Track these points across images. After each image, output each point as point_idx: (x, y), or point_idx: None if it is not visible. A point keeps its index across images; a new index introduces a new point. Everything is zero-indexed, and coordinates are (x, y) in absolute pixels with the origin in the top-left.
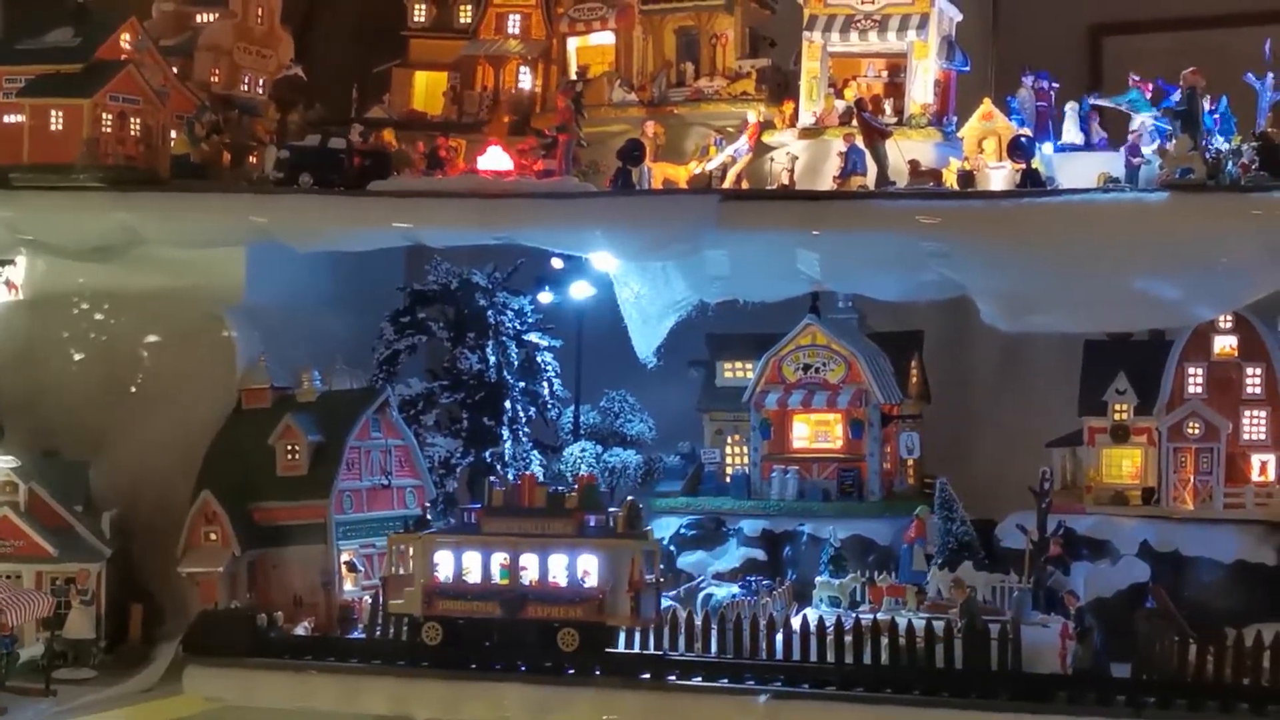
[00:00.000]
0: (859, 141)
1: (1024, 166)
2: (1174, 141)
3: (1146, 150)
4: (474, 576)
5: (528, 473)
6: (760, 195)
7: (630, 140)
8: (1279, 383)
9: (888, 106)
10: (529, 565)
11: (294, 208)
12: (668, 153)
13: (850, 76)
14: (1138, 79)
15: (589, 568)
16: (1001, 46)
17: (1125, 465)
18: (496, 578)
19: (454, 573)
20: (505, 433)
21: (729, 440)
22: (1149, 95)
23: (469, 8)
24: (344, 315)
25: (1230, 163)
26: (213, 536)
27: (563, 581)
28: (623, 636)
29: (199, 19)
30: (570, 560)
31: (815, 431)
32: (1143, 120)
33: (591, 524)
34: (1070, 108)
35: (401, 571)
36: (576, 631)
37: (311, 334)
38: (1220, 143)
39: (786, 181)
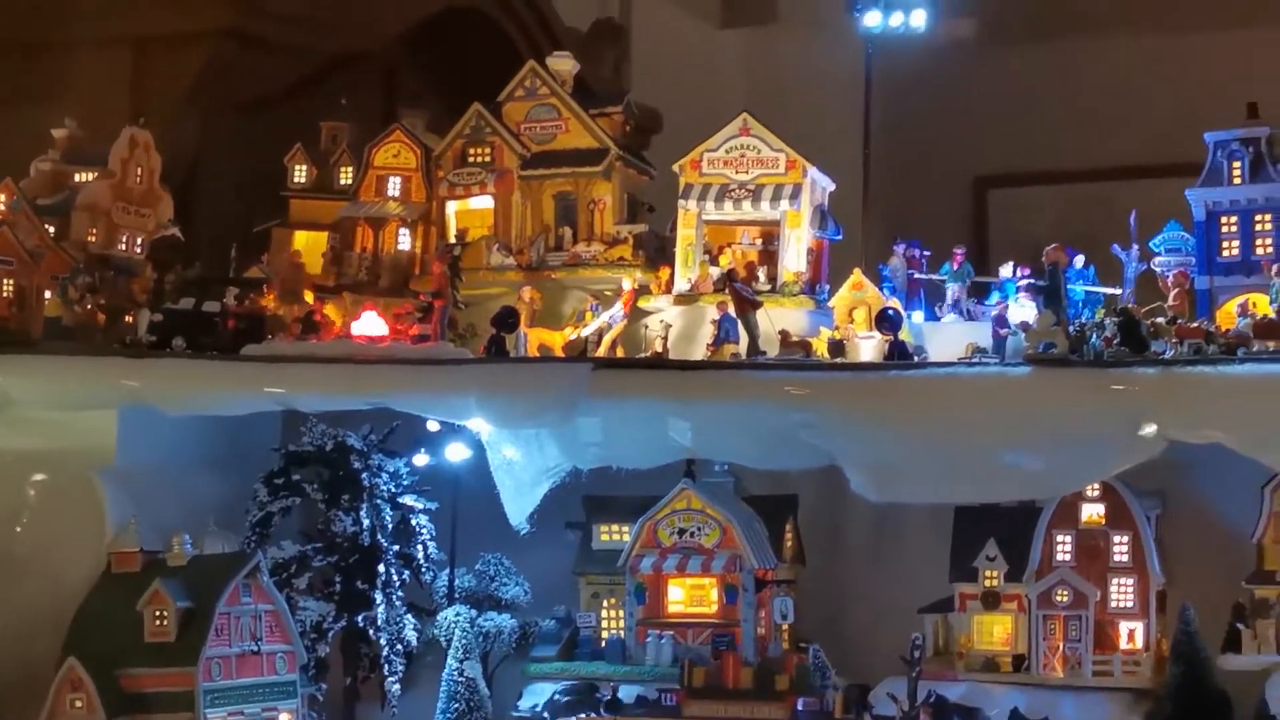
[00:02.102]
0: (731, 310)
1: (892, 338)
2: (1038, 316)
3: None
4: None
5: (730, 651)
6: (632, 364)
7: (504, 307)
8: (1146, 550)
9: (762, 274)
10: None
11: (166, 372)
12: (545, 317)
13: (725, 243)
14: (959, 251)
15: None
16: (887, 199)
17: (996, 631)
18: None
19: None
20: (379, 596)
21: (605, 604)
22: (956, 267)
23: (349, 169)
24: (218, 476)
25: (1094, 336)
26: (78, 704)
27: None
28: None
29: (77, 178)
30: None
31: (690, 596)
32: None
33: (803, 709)
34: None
35: None
36: None
37: (184, 496)
38: (1085, 317)
39: (660, 349)
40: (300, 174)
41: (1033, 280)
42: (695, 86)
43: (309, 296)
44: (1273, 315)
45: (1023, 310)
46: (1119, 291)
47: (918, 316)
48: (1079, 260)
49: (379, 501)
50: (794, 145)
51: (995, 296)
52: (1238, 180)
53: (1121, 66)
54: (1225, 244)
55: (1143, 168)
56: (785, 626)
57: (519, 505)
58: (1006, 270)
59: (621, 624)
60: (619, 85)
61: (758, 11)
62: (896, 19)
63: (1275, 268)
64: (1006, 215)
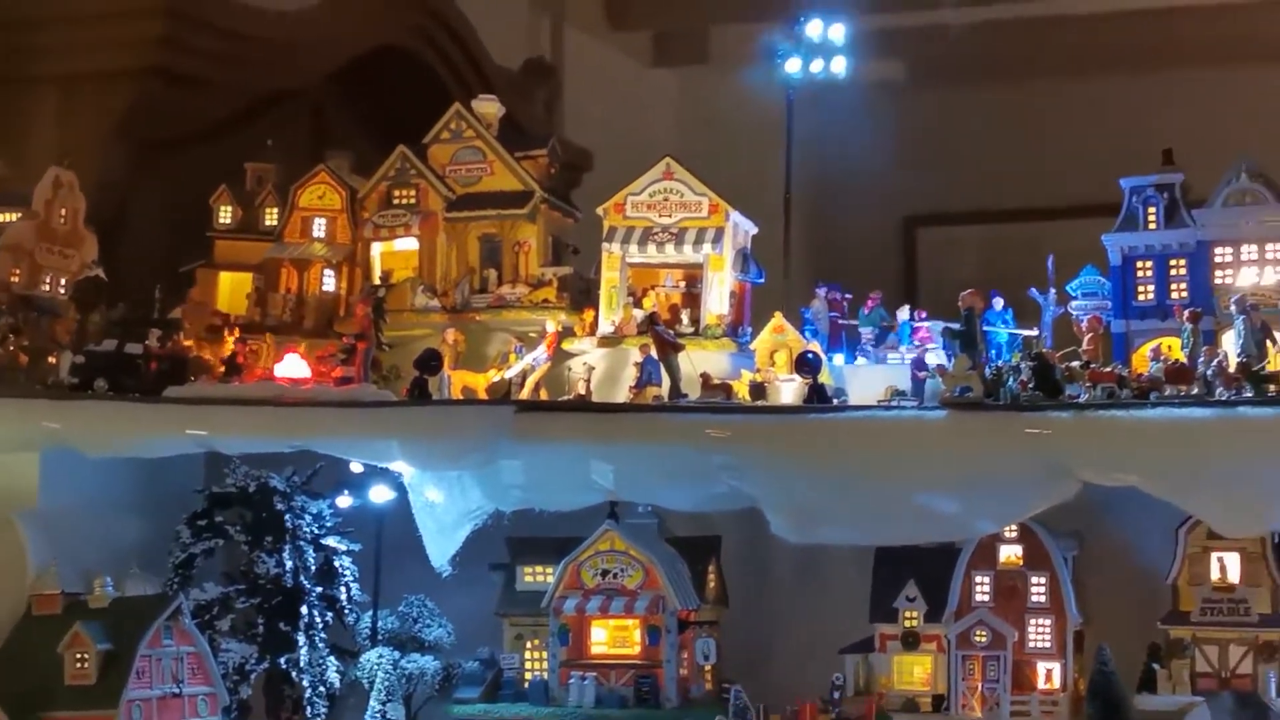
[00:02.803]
0: (654, 353)
1: (811, 381)
2: (954, 360)
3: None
4: None
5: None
6: (554, 406)
7: (427, 350)
8: (1063, 591)
9: (685, 316)
10: None
11: (88, 414)
12: (470, 359)
13: (649, 286)
14: (874, 296)
15: None
16: (819, 240)
17: (916, 672)
18: None
19: None
20: (302, 638)
21: (528, 645)
22: (868, 310)
23: (275, 210)
24: (140, 518)
25: (1011, 379)
26: None
27: None
28: None
29: (0, 218)
30: None
31: (613, 637)
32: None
33: None
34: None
35: None
36: None
37: (106, 538)
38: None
39: (583, 391)
40: (225, 214)
41: (947, 325)
42: (627, 125)
43: (230, 340)
44: (1184, 360)
45: (931, 355)
46: (1036, 333)
47: (839, 359)
48: (998, 302)
49: (302, 543)
50: (722, 186)
51: (891, 339)
52: (1153, 225)
53: (1048, 109)
54: (1141, 288)
55: (1071, 208)
56: (708, 667)
57: (441, 547)
58: (904, 314)
59: (545, 665)
60: (550, 124)
61: (689, 52)
62: (817, 65)
63: (1187, 313)
64: (936, 255)
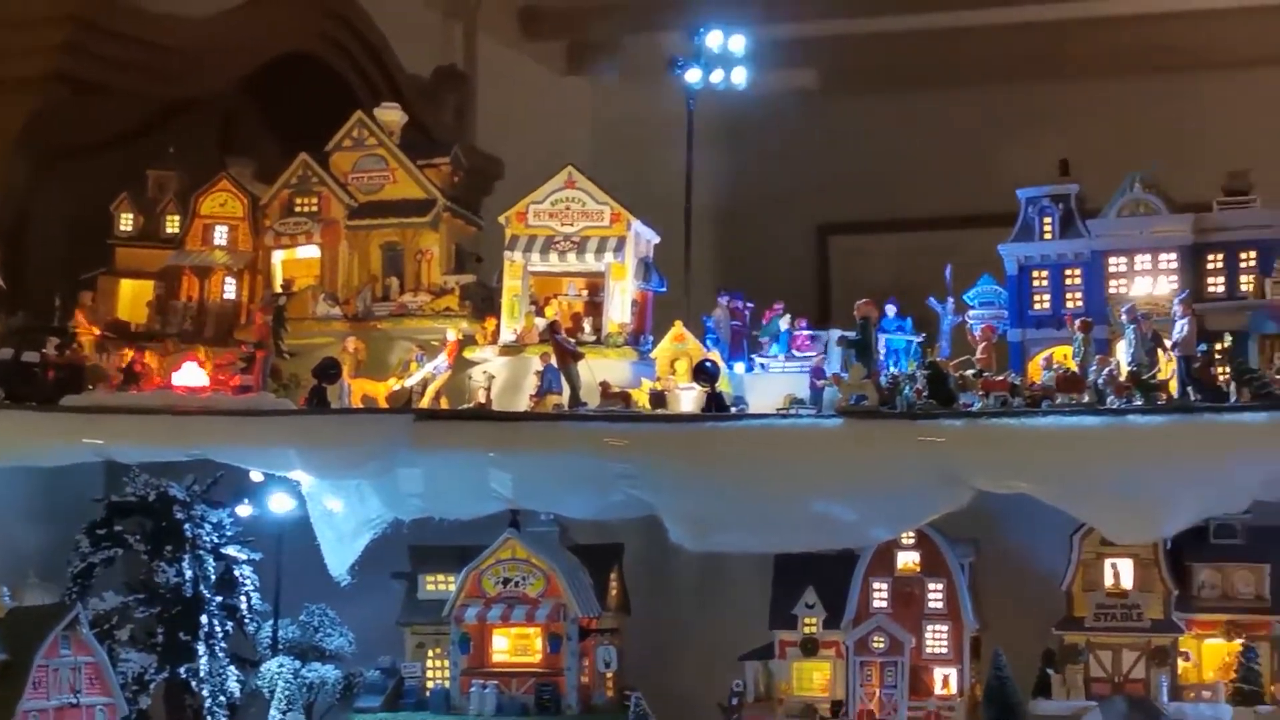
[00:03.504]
0: (554, 361)
1: (709, 389)
2: (850, 369)
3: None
4: None
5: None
6: (453, 415)
7: (326, 358)
8: (960, 597)
9: (587, 325)
10: None
11: None
12: (372, 368)
13: (552, 295)
14: (776, 306)
15: None
16: (734, 247)
17: (815, 678)
18: None
19: None
20: (201, 648)
21: (430, 654)
22: (765, 321)
23: (176, 218)
24: (39, 527)
25: (907, 388)
26: None
27: None
28: None
29: None
30: None
31: (515, 645)
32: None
33: None
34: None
35: None
36: None
37: (4, 547)
38: (898, 367)
39: (483, 400)
40: (126, 222)
41: (843, 334)
42: (541, 134)
43: (128, 351)
44: (1075, 368)
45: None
46: (920, 338)
47: (739, 368)
48: (891, 310)
49: (202, 552)
50: (634, 195)
51: (775, 349)
52: (1048, 235)
53: (958, 118)
54: (1037, 298)
55: (981, 217)
56: (609, 675)
57: (340, 556)
58: (785, 322)
59: (446, 674)
60: (461, 132)
61: (601, 61)
62: (717, 75)
63: (1078, 322)
64: (848, 262)
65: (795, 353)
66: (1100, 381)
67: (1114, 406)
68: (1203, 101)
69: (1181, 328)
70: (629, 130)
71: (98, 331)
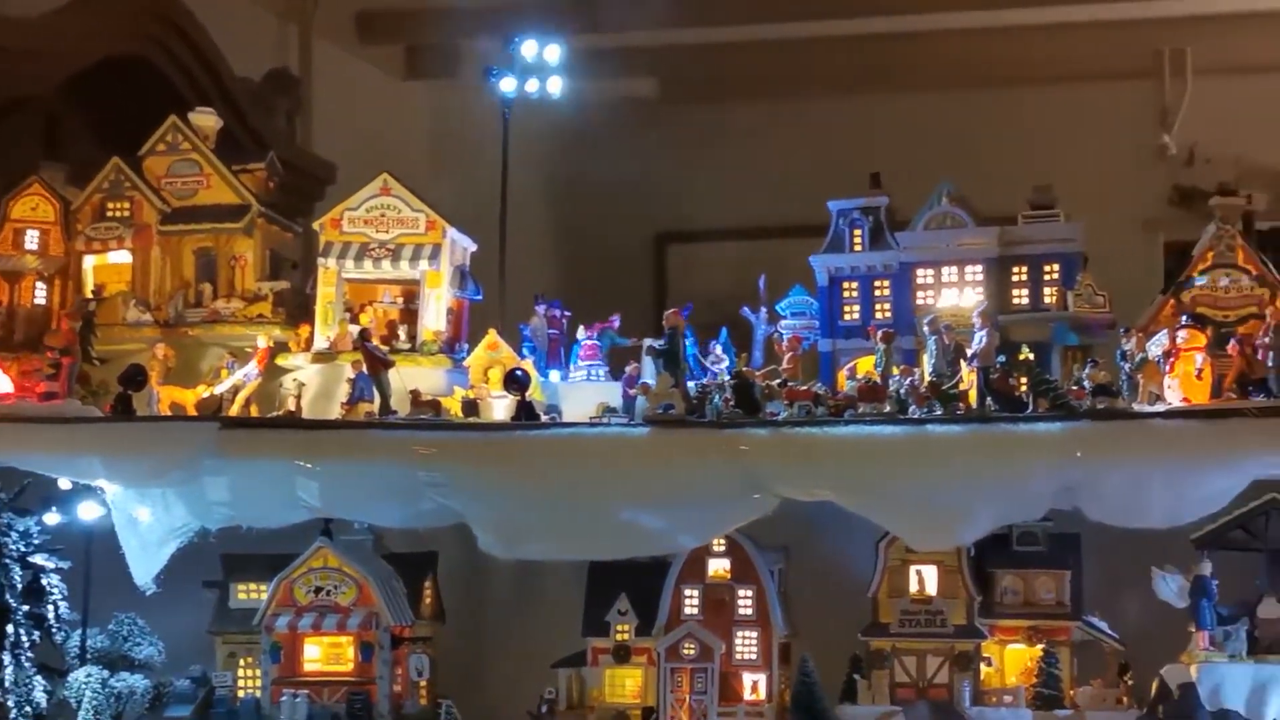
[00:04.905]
0: (365, 369)
1: (520, 398)
2: (658, 378)
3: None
4: None
5: None
6: (260, 423)
7: (131, 365)
8: (769, 604)
9: (403, 332)
10: None
11: None
12: (184, 375)
13: (367, 302)
14: (612, 319)
15: None
16: (571, 256)
17: (627, 685)
18: None
19: None
20: (7, 657)
21: (241, 663)
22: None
23: None
24: None
25: (716, 397)
26: None
27: None
28: None
29: None
30: None
31: (327, 654)
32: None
33: None
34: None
35: None
36: None
37: None
38: (712, 375)
39: (293, 407)
40: None
41: (651, 343)
42: (376, 139)
43: None
44: (876, 378)
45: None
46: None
47: (554, 376)
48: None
49: (8, 560)
50: (461, 201)
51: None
52: (858, 247)
53: (790, 128)
54: (847, 308)
55: (814, 227)
56: (422, 683)
57: (145, 565)
58: (580, 332)
59: (258, 683)
60: (293, 136)
61: (438, 65)
62: (532, 85)
63: (880, 333)
64: (686, 270)
65: (581, 362)
66: (902, 391)
67: (914, 416)
68: (1017, 115)
69: (980, 339)
70: (461, 137)
71: None
